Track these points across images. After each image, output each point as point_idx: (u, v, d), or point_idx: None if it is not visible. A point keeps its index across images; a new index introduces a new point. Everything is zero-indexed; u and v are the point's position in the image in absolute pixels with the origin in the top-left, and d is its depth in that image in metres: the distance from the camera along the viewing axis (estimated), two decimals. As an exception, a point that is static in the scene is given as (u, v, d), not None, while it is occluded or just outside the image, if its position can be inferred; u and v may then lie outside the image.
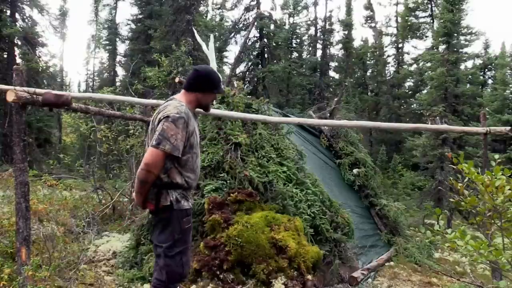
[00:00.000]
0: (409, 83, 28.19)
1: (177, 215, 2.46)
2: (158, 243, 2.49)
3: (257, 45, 24.42)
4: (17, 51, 17.35)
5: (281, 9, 29.62)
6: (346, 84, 22.51)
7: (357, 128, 9.49)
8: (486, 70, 25.69)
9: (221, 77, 2.69)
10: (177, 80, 7.65)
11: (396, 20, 30.44)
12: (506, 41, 45.75)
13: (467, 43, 21.39)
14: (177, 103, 2.48)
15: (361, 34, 73.53)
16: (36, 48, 17.76)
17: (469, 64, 25.16)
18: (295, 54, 28.66)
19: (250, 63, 24.81)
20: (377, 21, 31.52)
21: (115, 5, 30.10)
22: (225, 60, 26.97)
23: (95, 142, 8.78)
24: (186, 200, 2.53)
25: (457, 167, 2.61)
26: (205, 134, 5.32)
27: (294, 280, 4.08)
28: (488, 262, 2.71)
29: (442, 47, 18.29)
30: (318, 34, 28.27)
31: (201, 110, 2.76)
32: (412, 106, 26.42)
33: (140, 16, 25.42)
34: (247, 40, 22.94)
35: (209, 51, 6.76)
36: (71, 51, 73.43)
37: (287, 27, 28.53)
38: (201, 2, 21.03)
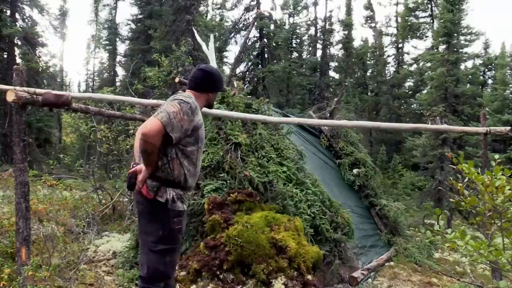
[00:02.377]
0: (409, 83, 28.20)
1: (168, 213, 2.45)
2: (145, 233, 2.50)
3: (257, 45, 24.42)
4: (17, 51, 17.34)
5: (281, 9, 29.64)
6: (346, 84, 22.50)
7: (357, 128, 9.49)
8: (486, 70, 25.69)
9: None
10: (177, 80, 7.65)
11: (396, 20, 30.44)
12: (506, 41, 45.70)
13: (467, 43, 21.41)
14: (188, 95, 2.52)
15: (361, 34, 73.54)
16: (36, 48, 17.75)
17: (469, 64, 25.20)
18: (295, 54, 28.66)
19: (250, 63, 24.81)
20: (377, 21, 31.55)
21: (115, 5, 30.10)
22: (225, 60, 26.97)
23: (95, 142, 8.77)
24: (182, 202, 2.50)
25: (457, 167, 2.61)
26: (205, 134, 5.32)
27: (294, 280, 4.08)
28: (488, 262, 2.71)
29: (442, 47, 18.28)
30: (318, 34, 28.27)
31: (205, 109, 2.81)
32: (412, 106, 26.41)
33: (140, 16, 25.42)
34: (247, 40, 22.92)
35: (209, 51, 6.76)
36: (71, 51, 73.47)
37: (287, 27, 28.52)
38: (201, 2, 21.01)
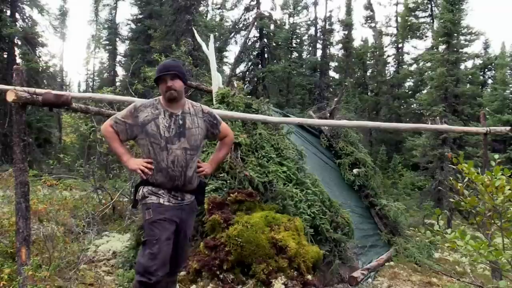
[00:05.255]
0: (409, 83, 28.23)
1: (142, 208, 2.65)
2: None
3: (257, 45, 24.45)
4: (17, 51, 17.33)
5: (281, 9, 29.70)
6: (346, 84, 22.50)
7: (357, 128, 9.49)
8: (486, 70, 25.71)
9: (169, 64, 2.70)
10: (177, 80, 7.64)
11: (396, 20, 30.46)
12: (506, 41, 45.89)
13: (467, 43, 21.43)
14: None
15: (361, 34, 73.64)
16: (36, 48, 17.75)
17: (469, 64, 25.23)
18: (295, 54, 28.69)
19: (250, 63, 24.84)
20: (377, 21, 31.58)
21: (115, 5, 30.12)
22: (225, 60, 26.98)
23: (95, 142, 8.76)
24: (157, 196, 2.60)
25: (457, 167, 2.61)
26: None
27: (294, 280, 4.08)
28: (488, 262, 2.70)
29: (442, 47, 18.30)
30: (318, 34, 28.30)
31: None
32: (412, 106, 26.43)
33: (140, 16, 25.44)
34: (247, 40, 22.94)
35: (209, 51, 6.76)
36: (71, 51, 73.61)
37: (287, 27, 28.55)
38: (201, 2, 21.03)
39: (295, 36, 28.25)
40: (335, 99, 10.31)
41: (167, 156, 2.56)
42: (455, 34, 18.16)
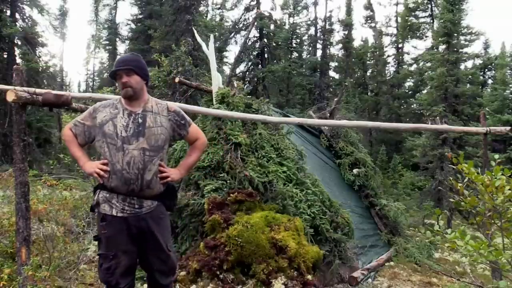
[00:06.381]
0: (409, 83, 28.24)
1: (97, 216, 2.46)
2: None
3: (257, 45, 24.44)
4: (17, 51, 17.31)
5: (281, 9, 29.72)
6: (346, 84, 22.50)
7: (357, 128, 9.49)
8: (486, 70, 25.71)
9: (125, 58, 2.53)
10: (177, 80, 7.65)
11: (396, 20, 30.47)
12: (506, 41, 45.92)
13: (467, 43, 21.43)
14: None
15: (361, 34, 73.70)
16: (36, 48, 17.72)
17: (469, 64, 25.24)
18: (295, 54, 28.69)
19: (250, 63, 24.83)
20: (377, 21, 31.61)
21: (115, 5, 30.18)
22: (225, 60, 27.00)
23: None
24: (110, 206, 2.39)
25: (457, 167, 2.61)
26: (205, 134, 5.32)
27: (294, 280, 4.08)
28: (488, 262, 2.70)
29: (442, 47, 18.30)
30: (318, 34, 28.29)
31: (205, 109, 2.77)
32: (412, 106, 26.44)
33: (140, 16, 25.47)
34: (247, 40, 22.94)
35: (209, 51, 6.76)
36: (71, 51, 73.71)
37: (287, 27, 28.56)
38: (201, 2, 21.03)
39: (295, 36, 28.25)
40: (335, 99, 10.31)
41: (122, 157, 2.34)
42: (455, 34, 18.16)
